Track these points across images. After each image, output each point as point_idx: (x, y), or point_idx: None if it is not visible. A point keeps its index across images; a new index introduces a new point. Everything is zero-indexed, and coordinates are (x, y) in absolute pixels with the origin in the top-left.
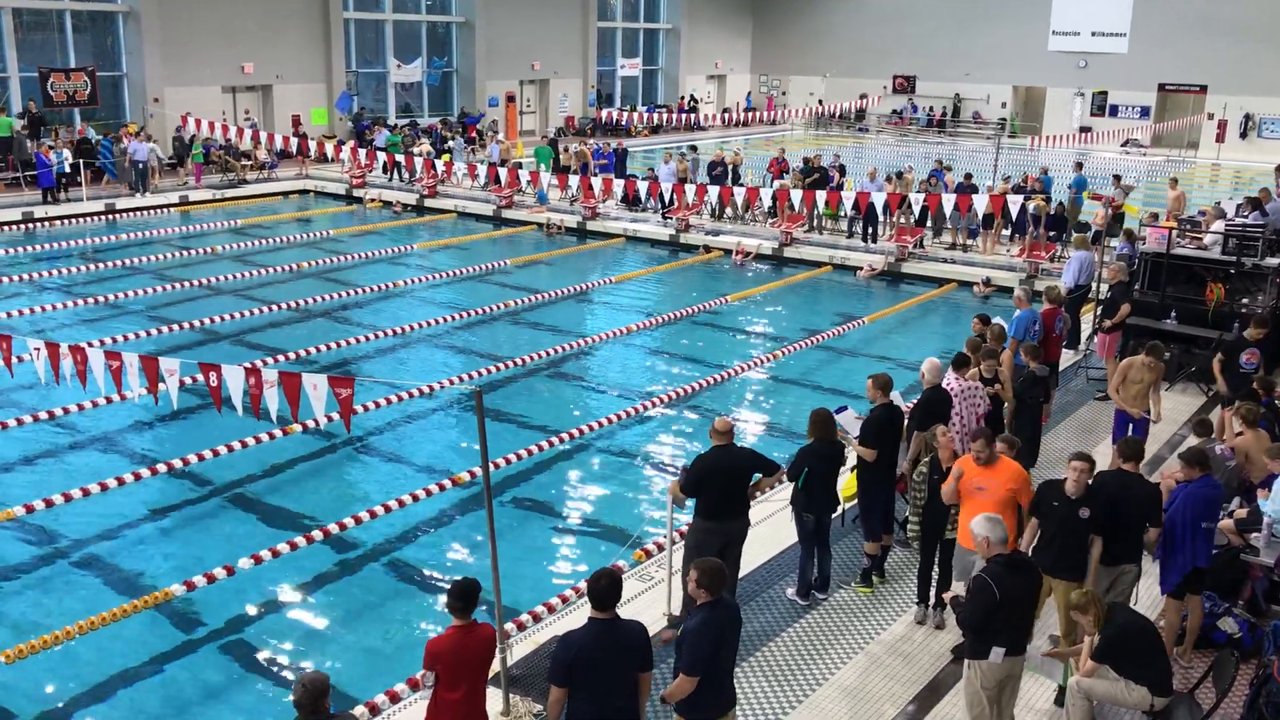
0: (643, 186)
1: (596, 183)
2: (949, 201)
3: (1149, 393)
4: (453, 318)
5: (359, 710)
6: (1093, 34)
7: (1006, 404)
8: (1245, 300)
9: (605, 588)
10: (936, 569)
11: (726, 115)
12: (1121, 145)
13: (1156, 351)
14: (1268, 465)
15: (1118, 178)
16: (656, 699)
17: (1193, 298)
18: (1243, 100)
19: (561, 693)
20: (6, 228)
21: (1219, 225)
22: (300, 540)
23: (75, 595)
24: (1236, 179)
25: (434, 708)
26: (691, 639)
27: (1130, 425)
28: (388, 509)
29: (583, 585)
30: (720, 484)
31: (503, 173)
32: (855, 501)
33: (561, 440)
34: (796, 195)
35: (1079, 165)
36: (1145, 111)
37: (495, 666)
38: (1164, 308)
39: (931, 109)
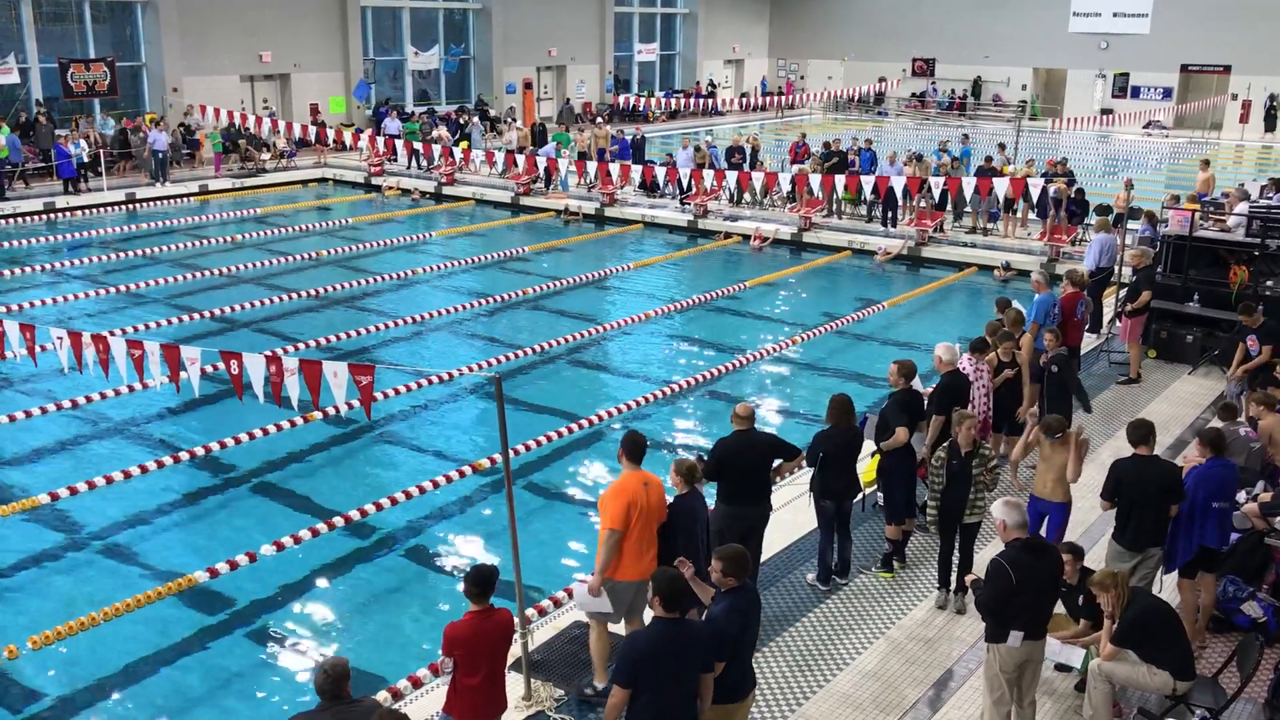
0: (660, 172)
1: (614, 169)
2: (969, 185)
3: (1065, 473)
4: (472, 305)
5: (381, 695)
6: (1114, 15)
7: (1025, 389)
8: (1270, 283)
9: (670, 589)
10: (957, 554)
11: (744, 100)
12: (1144, 127)
13: (1055, 427)
14: None
15: (1002, 146)
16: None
17: (1216, 280)
18: (1267, 80)
19: (624, 695)
20: (29, 218)
21: (1243, 207)
22: (322, 526)
23: (98, 582)
24: (1261, 160)
25: (454, 693)
26: (718, 625)
27: (1045, 516)
28: (408, 495)
29: None
30: (741, 468)
31: (520, 159)
32: (876, 486)
33: (581, 426)
34: (815, 180)
35: (965, 137)
36: (1168, 93)
37: (516, 652)
38: (1186, 291)
39: (952, 92)
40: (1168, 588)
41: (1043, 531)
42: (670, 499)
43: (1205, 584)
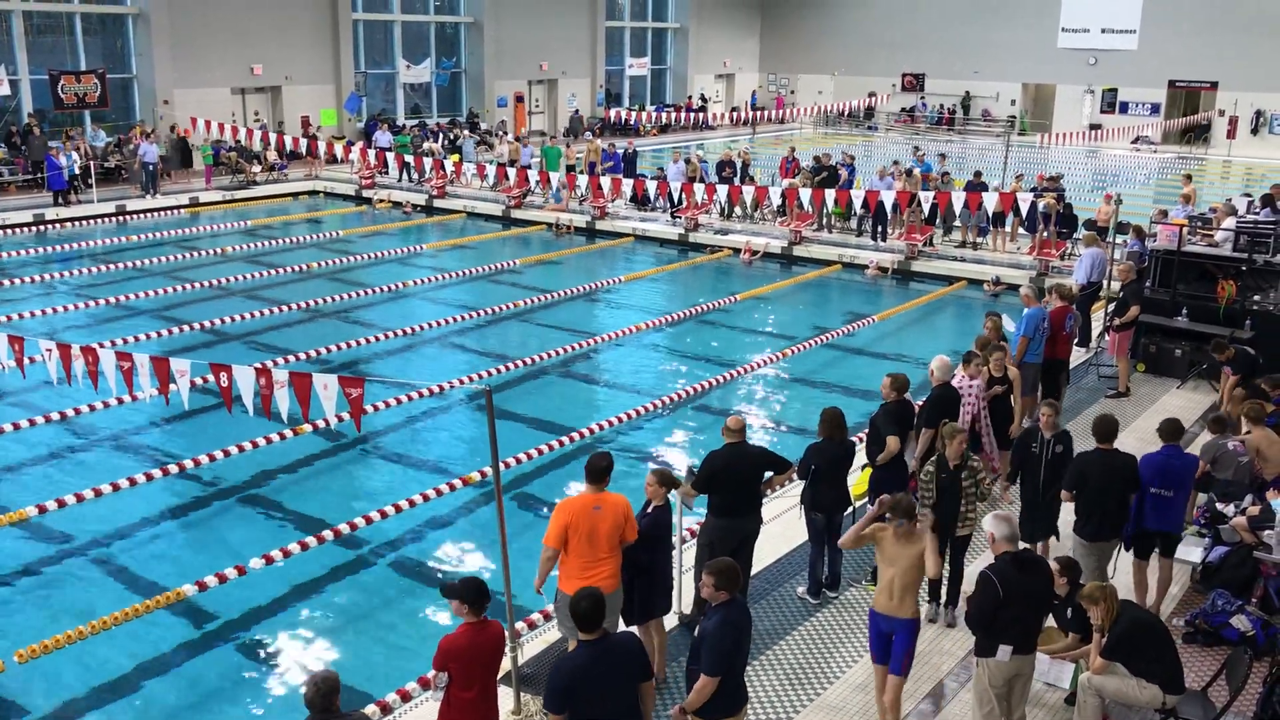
0: (651, 186)
1: (605, 182)
2: (959, 199)
3: (914, 579)
4: (462, 318)
5: (370, 709)
6: (1102, 31)
7: (1016, 404)
8: (1257, 297)
9: (587, 609)
10: (947, 567)
11: (735, 114)
12: (1132, 143)
13: (906, 509)
14: None
15: (943, 156)
16: (674, 709)
17: (1204, 295)
18: (1254, 97)
19: (559, 719)
20: (18, 229)
21: (1230, 222)
22: (311, 540)
23: (87, 595)
24: (1248, 175)
25: (447, 706)
26: (711, 640)
27: (891, 636)
28: (398, 509)
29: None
30: (732, 481)
31: (511, 172)
32: (867, 499)
33: (572, 439)
34: (805, 194)
35: (916, 149)
36: (1155, 108)
37: (506, 665)
38: (1175, 305)
39: (942, 106)
40: (1122, 571)
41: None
42: (647, 509)
43: (1162, 566)
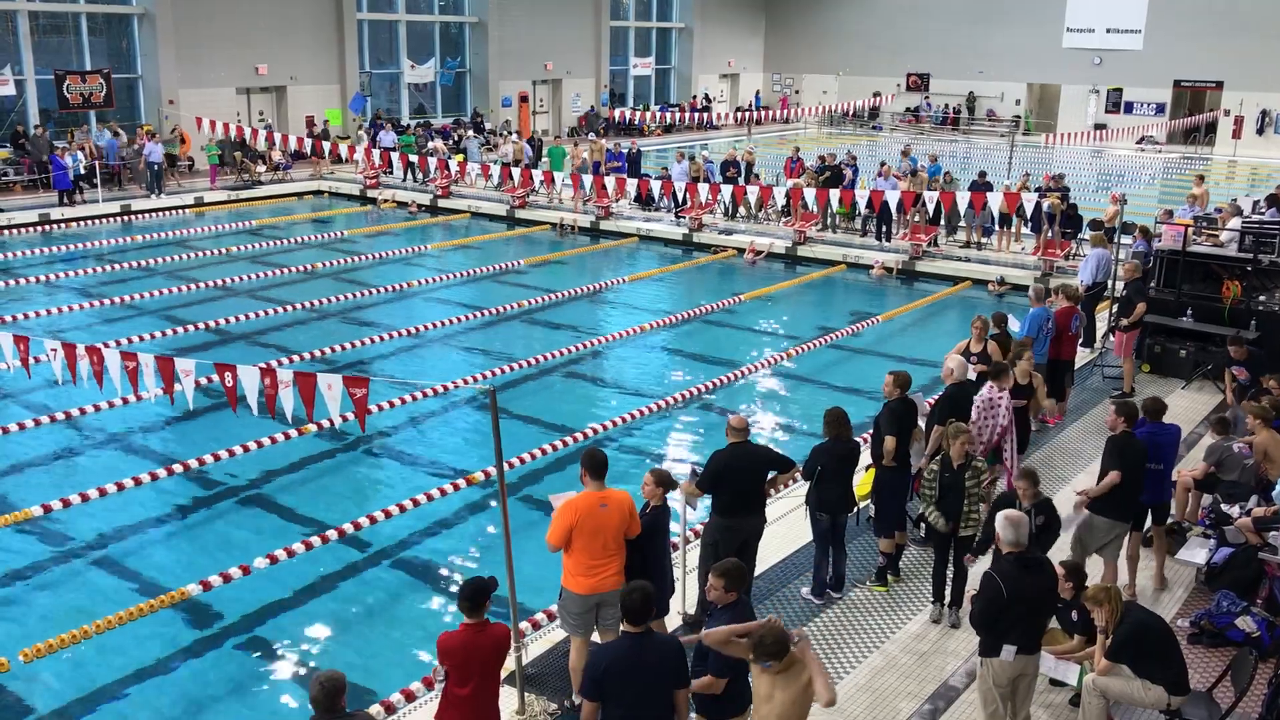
0: (656, 186)
1: (610, 182)
2: (963, 200)
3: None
4: (467, 317)
5: (374, 709)
6: (1108, 30)
7: (1040, 392)
8: (1262, 298)
9: (638, 602)
10: (951, 567)
11: (740, 114)
12: (1137, 143)
13: (771, 648)
14: None
15: (904, 153)
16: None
17: (1209, 295)
18: (1259, 96)
19: (592, 707)
20: (24, 229)
21: (1235, 222)
22: (315, 540)
23: (91, 594)
24: (1253, 175)
25: (444, 703)
26: None
27: None
28: (402, 508)
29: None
30: (737, 481)
31: (516, 172)
32: (871, 500)
33: (576, 439)
34: (810, 194)
35: (904, 152)
36: (1161, 108)
37: (510, 665)
38: (1180, 305)
39: (946, 106)
40: (1122, 571)
41: None
42: (646, 509)
43: (1156, 533)
